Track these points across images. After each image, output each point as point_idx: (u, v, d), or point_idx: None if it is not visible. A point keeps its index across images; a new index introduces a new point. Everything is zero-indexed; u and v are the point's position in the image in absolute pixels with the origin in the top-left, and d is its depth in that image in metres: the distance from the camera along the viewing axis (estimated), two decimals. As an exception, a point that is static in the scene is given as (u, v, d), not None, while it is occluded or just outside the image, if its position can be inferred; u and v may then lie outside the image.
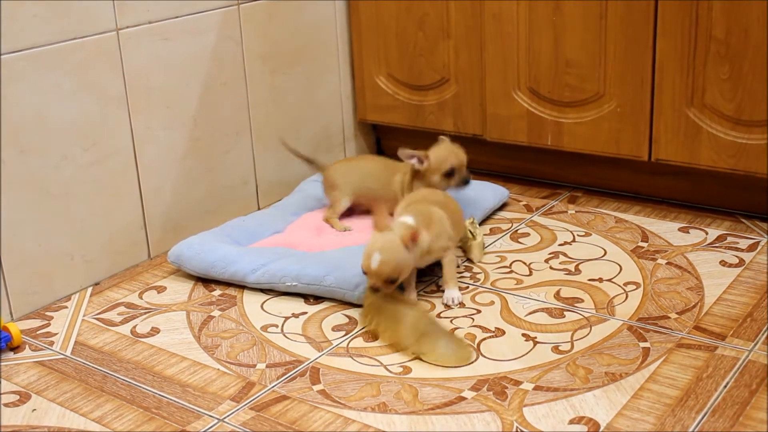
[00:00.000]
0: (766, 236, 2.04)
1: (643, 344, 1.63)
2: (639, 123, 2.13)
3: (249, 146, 2.30)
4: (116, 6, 1.94)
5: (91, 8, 1.89)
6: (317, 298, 1.87)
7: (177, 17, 2.07)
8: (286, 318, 1.81)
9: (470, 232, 2.02)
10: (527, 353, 1.63)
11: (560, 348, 1.64)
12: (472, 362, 1.61)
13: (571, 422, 1.43)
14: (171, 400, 1.56)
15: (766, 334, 1.65)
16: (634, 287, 1.84)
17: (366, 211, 2.16)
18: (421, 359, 1.63)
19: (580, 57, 2.16)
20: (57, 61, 1.85)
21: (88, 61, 1.91)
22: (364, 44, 2.50)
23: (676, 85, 2.06)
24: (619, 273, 1.91)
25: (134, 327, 1.81)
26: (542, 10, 2.18)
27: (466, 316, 1.77)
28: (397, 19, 2.42)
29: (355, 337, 1.72)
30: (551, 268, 1.95)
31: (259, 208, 2.34)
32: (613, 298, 1.81)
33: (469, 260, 2.00)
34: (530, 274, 1.93)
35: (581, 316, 1.75)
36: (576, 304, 1.79)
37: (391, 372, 1.60)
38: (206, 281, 1.98)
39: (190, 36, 2.11)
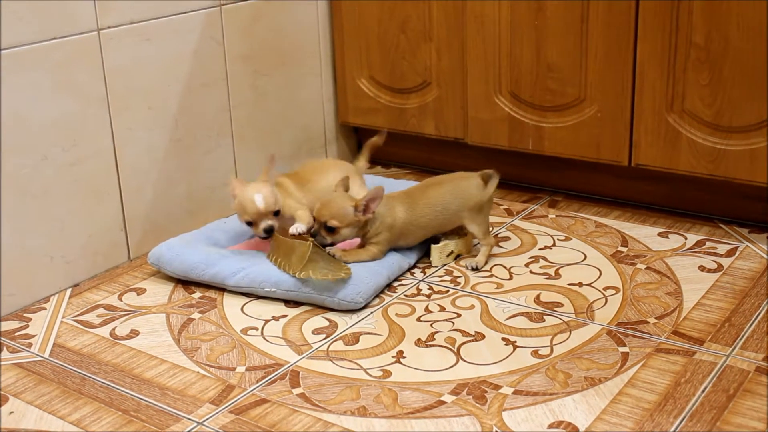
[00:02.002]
0: (744, 242, 2.05)
1: (622, 349, 1.64)
2: (619, 128, 2.14)
3: (230, 147, 2.29)
4: (97, 6, 1.93)
5: (72, 8, 1.88)
6: (297, 302, 1.87)
7: (159, 18, 2.06)
8: (267, 321, 1.80)
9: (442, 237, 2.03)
10: (507, 357, 1.63)
11: (540, 352, 1.64)
12: (348, 278, 1.81)
13: (551, 426, 1.43)
14: (150, 403, 1.55)
15: (743, 339, 1.66)
16: (614, 292, 1.85)
17: None
18: (311, 278, 1.82)
19: (562, 61, 2.17)
20: (37, 60, 1.84)
21: (68, 61, 1.89)
22: (346, 46, 2.50)
23: (657, 91, 2.07)
24: (598, 277, 1.91)
25: (113, 329, 1.80)
26: (524, 14, 2.18)
27: (446, 320, 1.77)
28: (379, 22, 2.42)
29: (335, 341, 1.72)
30: (531, 272, 1.96)
31: (239, 210, 2.33)
32: (593, 302, 1.81)
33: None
34: (510, 278, 1.94)
35: (561, 321, 1.75)
36: (556, 309, 1.80)
37: (370, 375, 1.59)
38: (186, 283, 1.97)
39: (172, 36, 2.10)
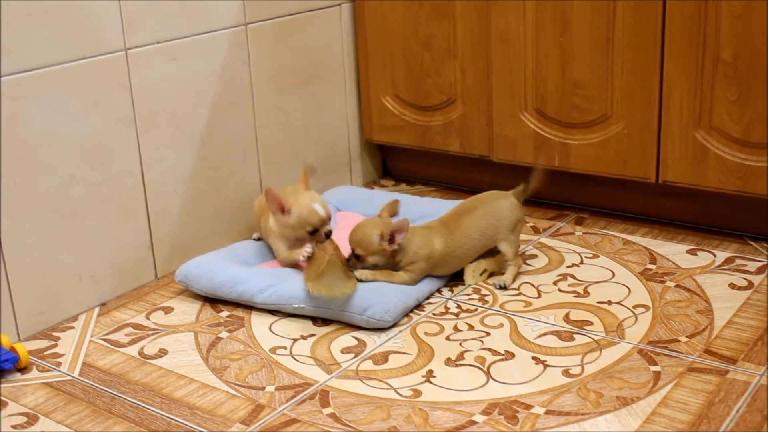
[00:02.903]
0: (774, 259, 2.04)
1: (653, 368, 1.63)
2: (646, 144, 2.13)
3: (256, 166, 2.30)
4: (125, 26, 1.94)
5: (100, 28, 1.89)
6: (326, 320, 1.86)
7: (185, 37, 2.07)
8: (295, 340, 1.80)
9: None
10: (538, 377, 1.62)
11: (571, 371, 1.63)
12: (350, 294, 1.81)
13: (584, 447, 1.42)
14: (180, 422, 1.55)
15: (777, 358, 1.64)
16: (644, 310, 1.83)
17: None
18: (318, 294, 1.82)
19: (588, 78, 2.16)
20: (66, 80, 1.85)
21: (96, 80, 1.90)
22: (370, 64, 2.51)
23: (684, 107, 2.06)
24: (627, 295, 1.90)
25: (142, 348, 1.80)
26: (549, 31, 2.18)
27: (475, 339, 1.76)
28: (403, 40, 2.42)
29: (364, 360, 1.71)
30: (560, 290, 1.95)
31: (265, 228, 2.33)
32: (623, 321, 1.80)
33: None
34: (539, 296, 1.93)
35: (591, 339, 1.74)
36: (585, 327, 1.78)
37: (401, 395, 1.59)
38: (214, 302, 1.97)
39: (198, 56, 2.11)
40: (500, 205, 1.98)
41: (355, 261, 1.92)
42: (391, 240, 1.89)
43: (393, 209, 1.98)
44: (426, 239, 1.93)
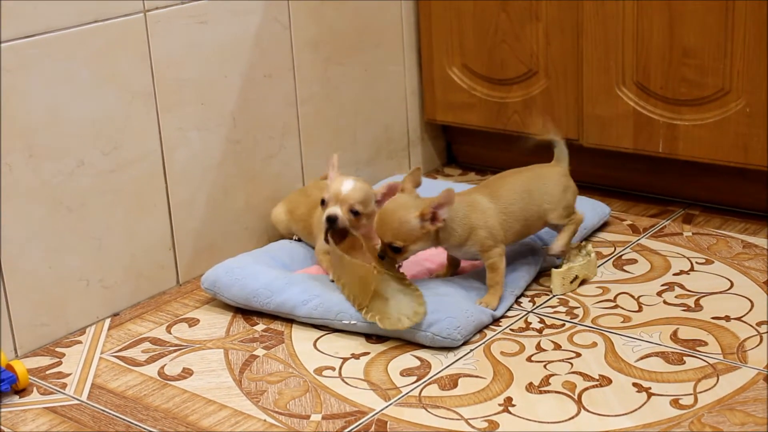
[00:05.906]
0: None
1: (784, 399, 1.61)
2: (773, 126, 2.11)
3: (297, 150, 2.31)
4: (144, -17, 1.97)
5: (115, -14, 1.92)
6: (381, 336, 1.87)
7: (214, -4, 2.09)
8: (345, 359, 1.81)
9: (564, 259, 2.02)
10: (640, 407, 1.61)
11: (681, 402, 1.62)
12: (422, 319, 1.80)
13: (698, 494, 1.41)
14: (208, 456, 1.57)
15: None
16: (770, 328, 1.82)
17: None
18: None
19: (701, 44, 2.14)
20: (73, 48, 1.87)
21: (110, 48, 1.92)
22: (434, 29, 2.51)
23: (821, 80, 2.04)
24: (750, 310, 1.88)
25: (162, 367, 1.82)
26: (654, -12, 2.17)
27: (563, 361, 1.76)
28: (474, -1, 2.43)
29: (428, 384, 1.71)
30: (665, 302, 1.94)
31: (307, 225, 2.35)
32: (745, 341, 1.78)
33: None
34: (640, 309, 1.92)
35: (705, 363, 1.72)
36: (698, 348, 1.77)
37: (473, 427, 1.59)
38: (247, 313, 1.98)
39: (229, 19, 2.12)
40: (547, 171, 2.05)
41: (393, 255, 1.89)
42: (434, 218, 1.88)
43: (416, 179, 1.96)
44: (468, 204, 1.93)
